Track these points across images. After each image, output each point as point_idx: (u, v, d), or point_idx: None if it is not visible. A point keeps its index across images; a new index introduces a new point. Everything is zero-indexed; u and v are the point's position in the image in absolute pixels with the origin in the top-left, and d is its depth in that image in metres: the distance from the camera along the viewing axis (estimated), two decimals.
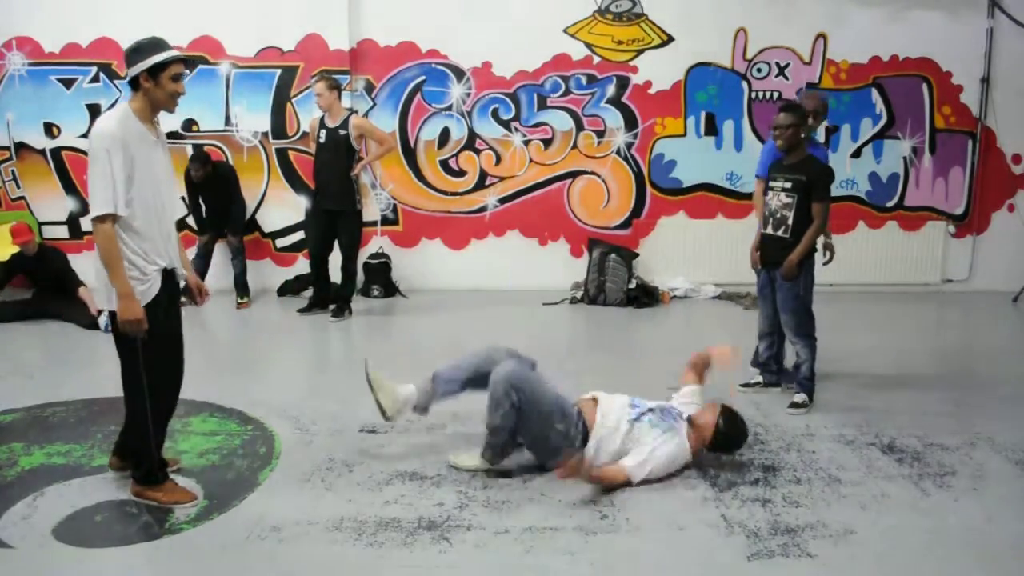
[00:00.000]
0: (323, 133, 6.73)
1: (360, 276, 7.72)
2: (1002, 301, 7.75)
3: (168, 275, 3.35)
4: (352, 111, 7.07)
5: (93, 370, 5.44)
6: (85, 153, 7.86)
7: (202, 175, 7.14)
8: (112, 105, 7.69)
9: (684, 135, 8.04)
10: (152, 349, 3.27)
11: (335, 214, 6.79)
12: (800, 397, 4.62)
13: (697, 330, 6.69)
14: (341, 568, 2.95)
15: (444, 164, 8.02)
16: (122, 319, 3.15)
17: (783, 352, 4.93)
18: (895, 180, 8.18)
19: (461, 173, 8.03)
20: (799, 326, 4.60)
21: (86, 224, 8.02)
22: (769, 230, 4.67)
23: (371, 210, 7.91)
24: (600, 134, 8.03)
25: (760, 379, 4.95)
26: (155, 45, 3.18)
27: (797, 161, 4.54)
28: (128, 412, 3.45)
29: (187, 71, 3.29)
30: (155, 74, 3.14)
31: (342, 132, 6.66)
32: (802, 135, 4.52)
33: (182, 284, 3.56)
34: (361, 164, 6.83)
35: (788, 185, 4.53)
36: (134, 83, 3.18)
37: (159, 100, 3.21)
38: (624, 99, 7.98)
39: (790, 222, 4.53)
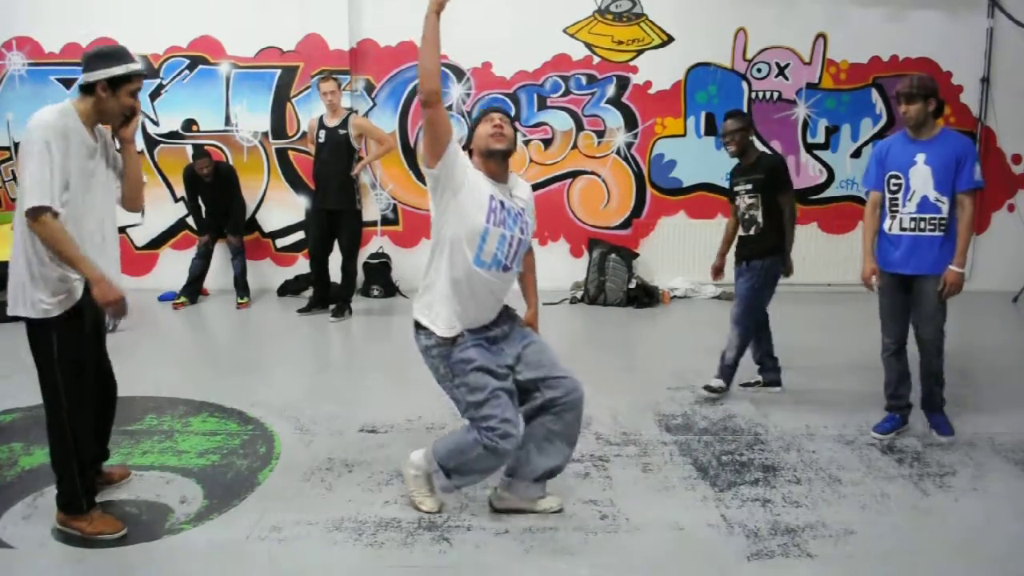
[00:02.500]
0: (323, 133, 6.73)
1: (360, 276, 7.73)
2: (1002, 301, 7.75)
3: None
4: (352, 111, 7.07)
5: None
6: None
7: (208, 171, 7.14)
8: None
9: (684, 135, 8.05)
10: (70, 367, 3.08)
11: (335, 214, 6.80)
12: (717, 383, 4.78)
13: (697, 330, 6.69)
14: (341, 568, 2.95)
15: None
16: (103, 303, 3.00)
17: (772, 344, 4.97)
18: None
19: None
20: (741, 314, 4.72)
21: None
22: (742, 231, 4.83)
23: (371, 210, 7.91)
24: (600, 134, 8.04)
25: (760, 378, 4.98)
26: (121, 55, 3.07)
27: (752, 162, 4.73)
28: (48, 434, 3.13)
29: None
30: (115, 85, 3.04)
31: (342, 132, 6.66)
32: (750, 138, 4.76)
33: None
34: (361, 164, 6.83)
35: (749, 186, 4.70)
36: (88, 88, 3.05)
37: (110, 111, 3.08)
38: (624, 99, 7.99)
39: (760, 219, 4.68)
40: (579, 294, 7.74)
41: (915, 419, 4.38)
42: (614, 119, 8.02)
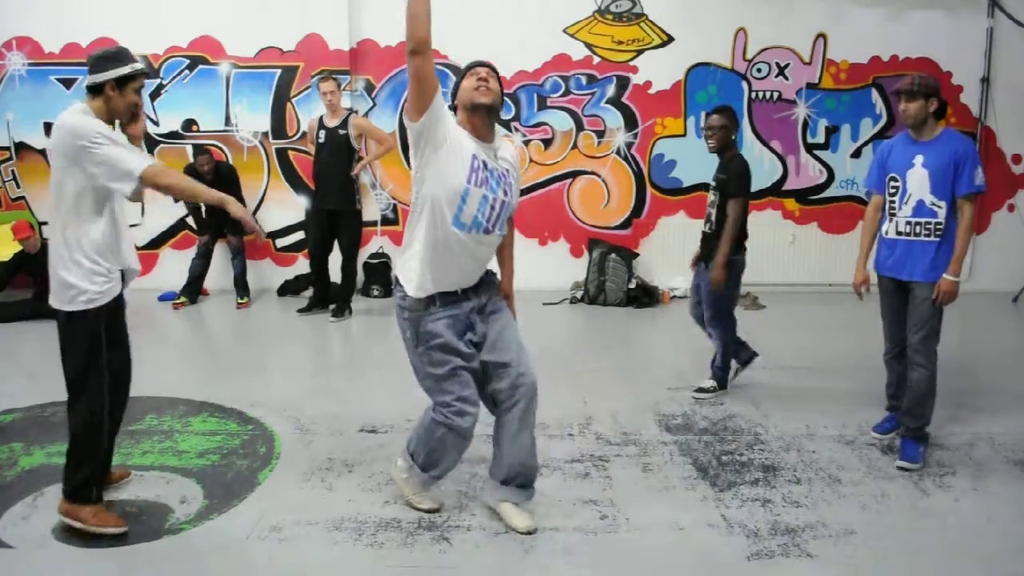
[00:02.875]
0: (323, 133, 6.73)
1: (360, 276, 7.73)
2: (1002, 301, 7.75)
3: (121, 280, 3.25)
4: (352, 111, 7.07)
5: None
6: None
7: (208, 168, 7.15)
8: None
9: (684, 135, 8.04)
10: (102, 358, 3.15)
11: (335, 214, 6.80)
12: (708, 383, 4.85)
13: (697, 330, 6.67)
14: (341, 568, 2.95)
15: None
16: (243, 217, 3.15)
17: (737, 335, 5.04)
18: None
19: None
20: (714, 316, 4.77)
21: None
22: (705, 229, 4.89)
23: (371, 210, 7.91)
24: (600, 134, 8.03)
25: (738, 366, 5.06)
26: (124, 56, 3.19)
27: (726, 161, 4.79)
28: (75, 422, 3.16)
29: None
30: (122, 84, 3.15)
31: (342, 132, 6.66)
32: (732, 137, 4.80)
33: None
34: (361, 164, 6.83)
35: (714, 184, 4.80)
36: (97, 89, 3.13)
37: (118, 109, 3.18)
38: (624, 99, 7.99)
39: (714, 219, 4.76)
40: (579, 294, 7.74)
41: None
42: (614, 119, 8.02)
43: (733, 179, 4.69)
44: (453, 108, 3.03)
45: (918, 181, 3.84)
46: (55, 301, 3.11)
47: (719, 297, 4.70)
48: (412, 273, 3.00)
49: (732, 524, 3.27)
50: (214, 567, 2.97)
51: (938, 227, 3.81)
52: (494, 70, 3.04)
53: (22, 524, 3.24)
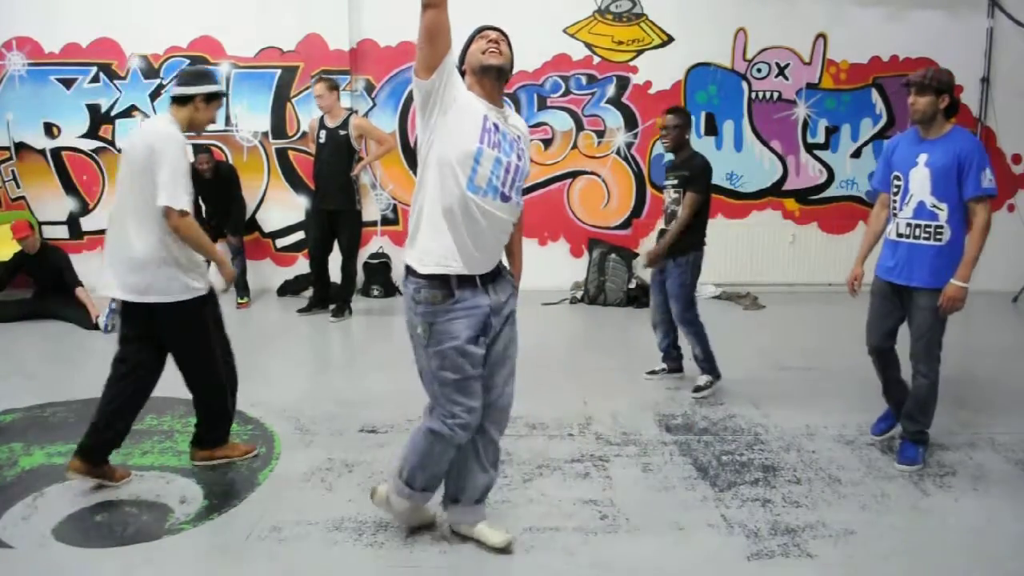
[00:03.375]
0: (323, 133, 6.73)
1: (360, 276, 7.73)
2: (1002, 301, 7.75)
3: None
4: (352, 111, 7.07)
5: (93, 370, 5.41)
6: (85, 153, 7.92)
7: (208, 167, 7.15)
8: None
9: (686, 133, 8.02)
10: (211, 335, 3.69)
11: (335, 214, 6.80)
12: (703, 379, 4.87)
13: None
14: (341, 568, 2.95)
15: None
16: (229, 279, 3.80)
17: (678, 335, 5.13)
18: None
19: None
20: (681, 312, 4.83)
21: (86, 224, 8.04)
22: (664, 225, 4.92)
23: (371, 210, 7.91)
24: (600, 134, 8.03)
25: (664, 366, 5.19)
26: (213, 76, 3.66)
27: (683, 159, 4.85)
28: (202, 388, 3.74)
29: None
30: (209, 101, 3.55)
31: (342, 132, 6.66)
32: (686, 136, 4.89)
33: None
34: (361, 164, 6.83)
35: (675, 182, 4.82)
36: (185, 100, 3.50)
37: (199, 122, 3.56)
38: (624, 99, 7.99)
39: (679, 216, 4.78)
40: (579, 294, 7.74)
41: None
42: (614, 119, 8.02)
43: (697, 176, 4.76)
44: (461, 73, 2.89)
45: (920, 181, 3.66)
46: (160, 296, 3.45)
47: (688, 291, 4.82)
48: (426, 252, 2.73)
49: (732, 524, 3.27)
50: (214, 567, 2.97)
51: (938, 230, 3.63)
52: (505, 35, 2.95)
53: (22, 524, 3.24)
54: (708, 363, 4.89)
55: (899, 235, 3.76)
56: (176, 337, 3.64)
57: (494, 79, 2.83)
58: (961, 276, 3.59)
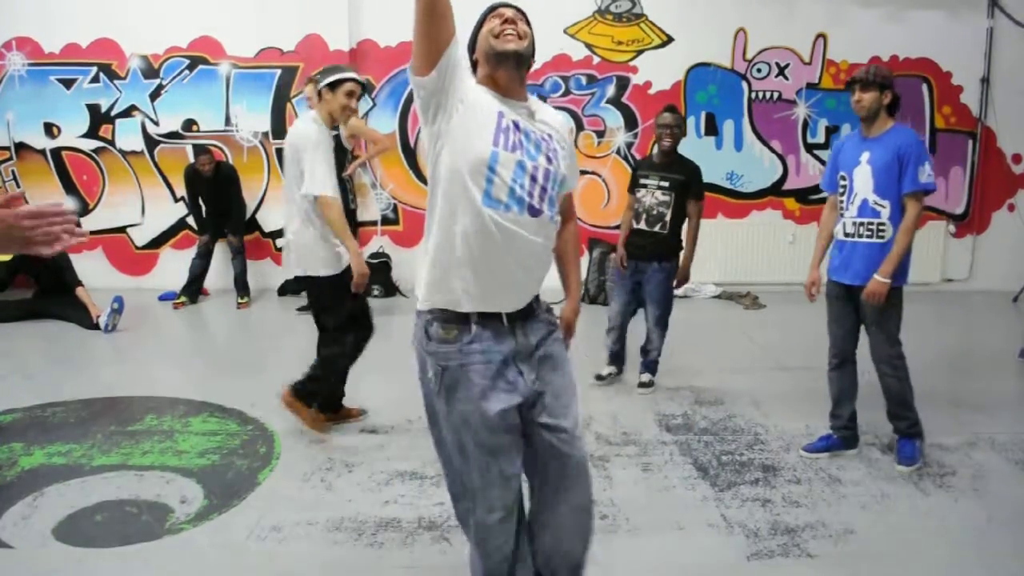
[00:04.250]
0: None
1: None
2: (1002, 301, 7.75)
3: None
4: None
5: (93, 370, 5.45)
6: (85, 153, 7.92)
7: (209, 167, 7.16)
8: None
9: (684, 135, 8.03)
10: (341, 310, 4.08)
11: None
12: (647, 377, 4.93)
13: (697, 330, 6.68)
14: (341, 568, 2.95)
15: None
16: (360, 275, 3.94)
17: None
18: None
19: None
20: (662, 316, 4.83)
21: (87, 224, 8.03)
22: (643, 226, 4.78)
23: (371, 210, 7.91)
24: (600, 134, 8.03)
25: (614, 368, 5.10)
26: (338, 68, 4.04)
27: (673, 161, 4.80)
28: (325, 358, 4.17)
29: (363, 91, 4.14)
30: (333, 88, 3.92)
31: (333, 132, 6.64)
32: (682, 135, 4.87)
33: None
34: (354, 165, 6.81)
35: (666, 184, 4.74)
36: (320, 97, 3.95)
37: (332, 110, 3.95)
38: (624, 99, 7.99)
39: (667, 219, 4.73)
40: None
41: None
42: (614, 119, 8.02)
43: (695, 181, 4.76)
44: (473, 64, 2.34)
45: (863, 179, 3.67)
46: (312, 270, 3.97)
47: (670, 296, 4.82)
48: (435, 281, 2.18)
49: (732, 524, 3.27)
50: (214, 567, 2.97)
51: (881, 228, 3.64)
52: (522, 13, 2.34)
53: (22, 524, 3.24)
54: (657, 364, 4.97)
55: (846, 235, 3.76)
56: (315, 306, 4.29)
57: (512, 68, 2.21)
58: (883, 271, 3.58)
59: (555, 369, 2.26)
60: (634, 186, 4.92)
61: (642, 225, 4.78)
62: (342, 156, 6.73)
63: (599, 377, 5.04)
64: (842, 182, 3.79)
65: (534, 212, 2.16)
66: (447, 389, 2.17)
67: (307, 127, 3.91)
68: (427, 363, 2.22)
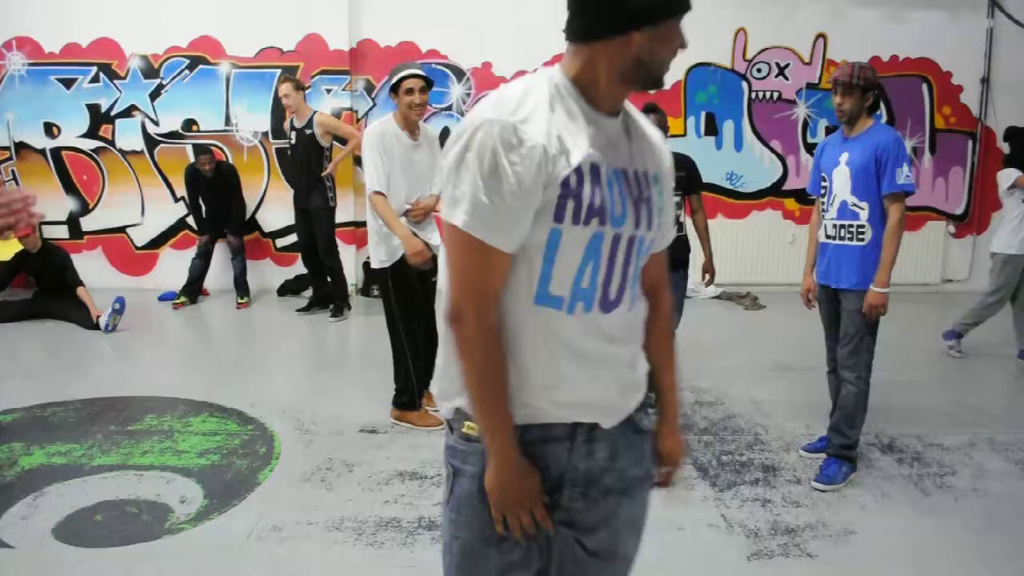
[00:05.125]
0: (293, 134, 6.78)
1: (359, 275, 7.73)
2: None
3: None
4: (315, 111, 6.98)
5: (93, 370, 5.45)
6: (85, 153, 7.93)
7: (210, 167, 7.17)
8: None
9: (684, 135, 8.04)
10: (402, 299, 4.14)
11: (308, 213, 6.82)
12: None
13: (696, 330, 6.68)
14: (341, 568, 2.95)
15: None
16: (410, 254, 3.93)
17: None
18: None
19: None
20: (678, 323, 4.41)
21: (87, 224, 8.04)
22: None
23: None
24: None
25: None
26: (399, 68, 4.02)
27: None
28: (393, 354, 4.30)
29: (424, 84, 4.02)
30: (395, 89, 4.00)
31: (308, 131, 6.67)
32: (666, 135, 4.47)
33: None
34: (333, 163, 6.83)
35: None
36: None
37: (401, 109, 4.02)
38: None
39: (682, 219, 4.54)
40: None
41: (916, 424, 4.38)
42: None
43: (694, 173, 4.56)
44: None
45: (842, 180, 3.57)
46: (373, 262, 4.15)
47: (681, 297, 4.54)
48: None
49: (732, 524, 3.27)
50: (214, 567, 2.97)
51: (860, 230, 3.54)
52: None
53: (22, 524, 3.24)
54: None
55: (827, 237, 3.69)
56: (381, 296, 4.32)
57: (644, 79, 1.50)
58: (879, 282, 3.47)
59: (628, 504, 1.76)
60: None
61: None
62: (318, 155, 6.77)
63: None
64: (824, 184, 3.70)
65: (608, 305, 1.52)
66: (453, 499, 1.61)
67: (369, 128, 4.07)
68: (445, 456, 1.65)
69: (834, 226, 3.64)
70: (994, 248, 5.78)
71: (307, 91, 7.35)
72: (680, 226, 4.50)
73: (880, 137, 3.49)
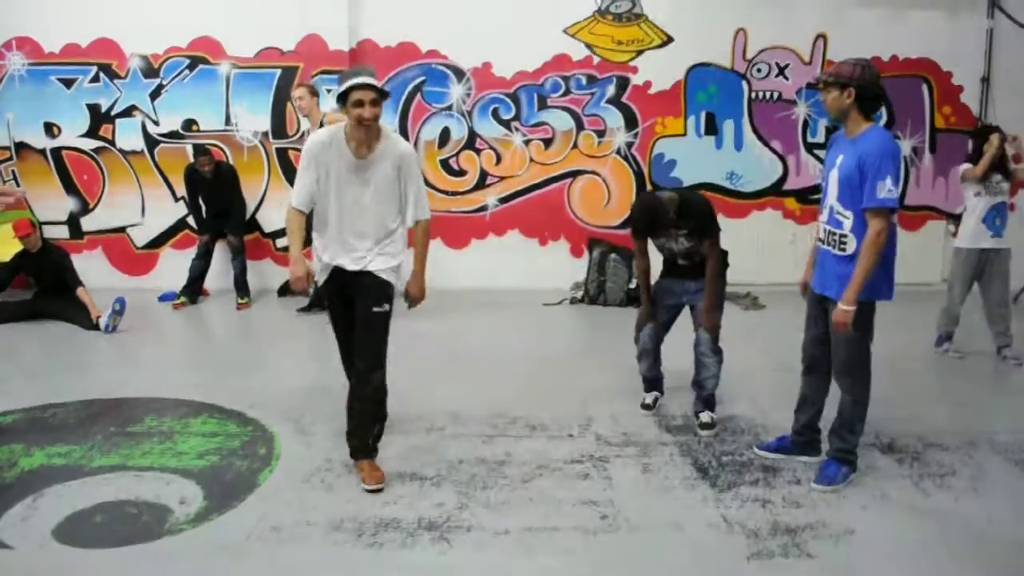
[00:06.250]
0: (303, 135, 6.77)
1: None
2: None
3: (339, 272, 3.68)
4: (325, 114, 6.96)
5: (93, 371, 5.45)
6: (85, 153, 7.93)
7: (209, 168, 7.16)
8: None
9: (684, 135, 8.04)
10: (334, 329, 3.85)
11: (310, 215, 6.79)
12: (707, 416, 4.30)
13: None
14: (341, 569, 2.95)
15: (444, 164, 8.02)
16: (291, 278, 3.60)
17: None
18: None
19: (461, 173, 8.03)
20: (715, 339, 4.27)
21: (87, 224, 8.05)
22: (682, 262, 4.32)
23: None
24: (600, 134, 8.03)
25: (657, 393, 4.61)
26: (348, 74, 3.47)
27: (680, 215, 4.13)
28: (371, 393, 3.72)
29: (376, 96, 3.41)
30: (343, 99, 3.42)
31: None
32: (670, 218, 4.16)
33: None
34: None
35: (684, 232, 4.20)
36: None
37: (351, 123, 3.46)
38: (624, 99, 7.98)
39: (702, 250, 4.22)
40: (579, 294, 7.74)
41: (916, 424, 4.38)
42: (614, 119, 8.01)
43: (709, 221, 4.19)
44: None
45: (832, 184, 3.46)
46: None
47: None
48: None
49: (732, 524, 3.27)
50: (214, 568, 2.97)
51: (843, 240, 3.42)
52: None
53: (22, 525, 3.24)
54: (715, 398, 4.37)
55: (819, 239, 3.63)
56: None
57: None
58: (846, 298, 3.32)
59: None
60: (646, 239, 4.36)
61: (681, 262, 4.31)
62: None
63: (645, 406, 4.54)
64: (823, 184, 3.61)
65: None
66: None
67: (316, 133, 3.68)
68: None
69: (824, 230, 3.57)
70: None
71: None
72: (700, 255, 4.24)
73: (867, 146, 3.31)
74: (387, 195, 3.62)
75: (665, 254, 4.41)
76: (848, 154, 3.39)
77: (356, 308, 3.65)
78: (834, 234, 3.48)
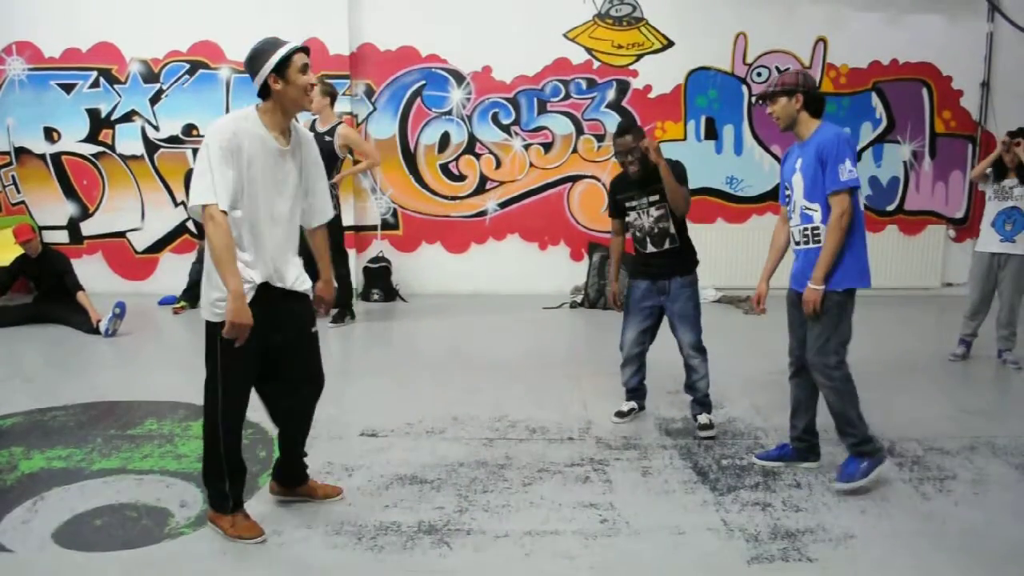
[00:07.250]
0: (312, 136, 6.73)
1: (360, 280, 7.73)
2: None
3: (269, 292, 3.15)
4: (341, 120, 6.99)
5: (94, 374, 5.45)
6: (85, 158, 7.95)
7: None
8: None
9: (684, 139, 8.06)
10: (230, 363, 2.99)
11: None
12: (705, 417, 4.30)
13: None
14: (341, 572, 2.95)
15: (444, 168, 8.03)
16: (229, 319, 2.86)
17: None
18: (895, 184, 8.19)
19: (461, 177, 8.04)
20: (698, 339, 4.37)
21: (87, 228, 8.05)
22: (651, 248, 4.36)
23: (372, 214, 7.91)
24: (600, 138, 8.04)
25: (635, 404, 4.57)
26: (272, 44, 3.03)
27: (650, 171, 4.22)
28: (203, 433, 3.12)
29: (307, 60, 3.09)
30: (280, 71, 2.96)
31: (328, 138, 6.63)
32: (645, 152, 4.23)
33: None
34: (340, 176, 6.78)
35: (655, 198, 4.28)
36: (264, 91, 2.99)
37: (293, 98, 3.00)
38: (624, 103, 8.00)
39: (673, 232, 4.33)
40: (579, 298, 7.74)
41: (916, 428, 4.38)
42: (614, 123, 8.02)
43: (681, 171, 4.24)
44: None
45: (798, 186, 3.58)
46: (206, 311, 3.02)
47: (699, 311, 4.46)
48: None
49: (732, 528, 3.26)
50: (214, 571, 2.96)
51: (815, 232, 3.53)
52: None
53: (22, 528, 3.23)
54: (710, 398, 4.39)
55: (796, 243, 3.69)
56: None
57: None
58: (815, 277, 3.47)
59: None
60: (618, 211, 4.52)
61: (650, 248, 4.36)
62: (331, 164, 6.74)
63: (619, 414, 4.50)
64: (787, 192, 3.70)
65: None
66: None
67: (219, 122, 3.03)
68: None
69: (799, 232, 3.63)
70: None
71: (346, 95, 7.34)
72: (672, 239, 4.35)
73: (822, 138, 3.47)
74: (301, 191, 3.21)
75: (636, 235, 4.44)
76: (806, 154, 3.54)
77: (284, 334, 3.23)
78: (807, 229, 3.59)
